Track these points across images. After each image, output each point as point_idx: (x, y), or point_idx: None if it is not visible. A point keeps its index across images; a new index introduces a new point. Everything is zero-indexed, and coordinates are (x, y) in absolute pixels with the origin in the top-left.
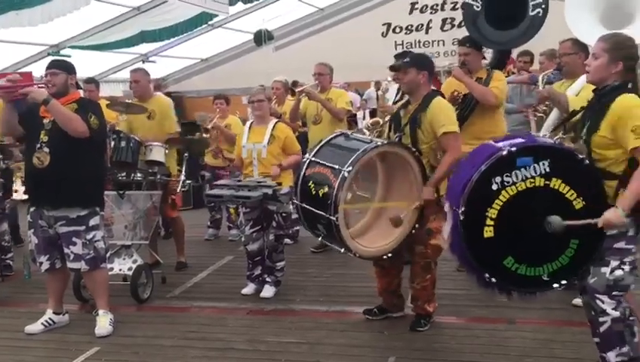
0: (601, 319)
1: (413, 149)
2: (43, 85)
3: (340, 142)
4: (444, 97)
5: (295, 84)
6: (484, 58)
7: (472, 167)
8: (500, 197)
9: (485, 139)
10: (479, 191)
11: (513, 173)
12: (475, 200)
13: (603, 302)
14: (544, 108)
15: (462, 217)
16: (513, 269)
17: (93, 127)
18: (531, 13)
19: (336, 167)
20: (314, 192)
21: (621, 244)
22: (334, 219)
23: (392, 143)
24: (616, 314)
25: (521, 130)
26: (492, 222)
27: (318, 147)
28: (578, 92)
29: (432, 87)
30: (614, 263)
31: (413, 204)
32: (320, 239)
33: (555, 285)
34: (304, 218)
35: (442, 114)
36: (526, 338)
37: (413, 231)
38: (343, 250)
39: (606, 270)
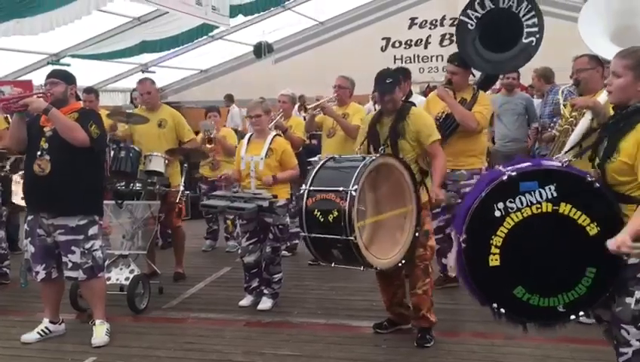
0: (622, 349)
1: (401, 156)
2: (42, 95)
3: (333, 166)
4: (415, 105)
5: (301, 98)
6: (473, 75)
7: (476, 192)
8: (505, 224)
9: (465, 157)
10: (481, 218)
11: (517, 198)
12: (476, 227)
13: (628, 333)
14: (571, 119)
15: (463, 245)
16: (525, 299)
17: (94, 135)
18: (525, 41)
19: (341, 189)
20: (322, 220)
21: None
22: (352, 238)
23: (383, 156)
24: None
25: (512, 145)
26: (497, 251)
27: (312, 176)
28: None
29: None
30: (639, 294)
31: (412, 212)
32: (333, 265)
33: (572, 316)
34: (315, 248)
35: (427, 124)
36: (523, 354)
37: (417, 234)
38: (362, 268)
39: (630, 300)
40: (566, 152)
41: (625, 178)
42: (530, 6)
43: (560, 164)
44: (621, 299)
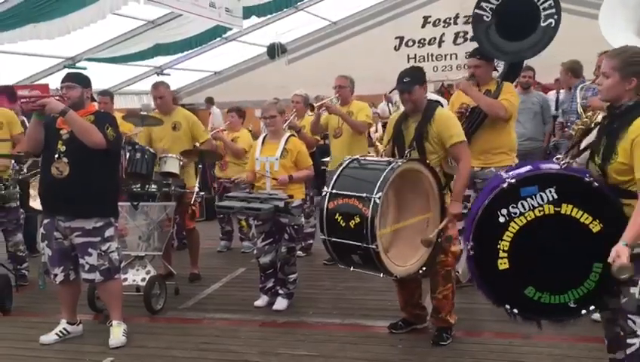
0: (629, 340)
1: (427, 161)
2: (59, 98)
3: (356, 168)
4: (442, 106)
5: (317, 99)
6: (496, 70)
7: (480, 199)
8: (510, 228)
9: (493, 156)
10: (486, 225)
11: (519, 203)
12: (482, 234)
13: (635, 323)
14: (585, 119)
15: (471, 252)
16: (536, 298)
17: (110, 138)
18: (543, 24)
19: (364, 195)
20: (344, 224)
21: None
22: (374, 247)
23: (410, 160)
24: None
25: (528, 144)
26: (505, 254)
27: (334, 178)
28: None
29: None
30: None
31: (435, 218)
32: (352, 269)
33: (584, 311)
34: (334, 251)
35: (449, 125)
36: (541, 354)
37: (439, 240)
38: (382, 275)
39: (635, 290)
40: (566, 153)
41: (625, 178)
42: None
43: (558, 167)
44: (626, 290)
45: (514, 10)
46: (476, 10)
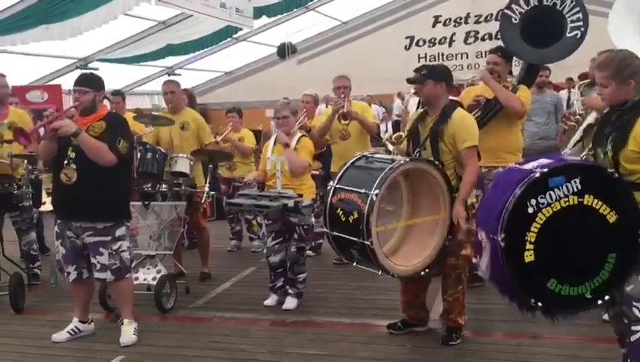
0: (634, 327)
1: (436, 162)
2: (73, 107)
3: (362, 165)
4: (463, 107)
5: (327, 98)
6: (511, 74)
7: (504, 192)
8: (537, 219)
9: (501, 155)
10: (516, 216)
11: (547, 194)
12: (513, 225)
13: (639, 310)
14: (577, 117)
15: (503, 244)
16: (557, 291)
17: (122, 151)
18: (569, 35)
19: (363, 191)
20: (344, 219)
21: None
22: (369, 243)
23: (413, 160)
24: None
25: (541, 143)
26: (532, 246)
27: (340, 173)
28: None
29: (451, 98)
30: None
31: (445, 220)
32: (355, 264)
33: (599, 301)
34: (336, 245)
35: (465, 127)
36: (550, 354)
37: (447, 243)
38: (380, 272)
39: None
40: (572, 148)
41: (636, 166)
42: (574, 2)
43: (580, 159)
44: (635, 277)
45: (542, 17)
46: (506, 11)
